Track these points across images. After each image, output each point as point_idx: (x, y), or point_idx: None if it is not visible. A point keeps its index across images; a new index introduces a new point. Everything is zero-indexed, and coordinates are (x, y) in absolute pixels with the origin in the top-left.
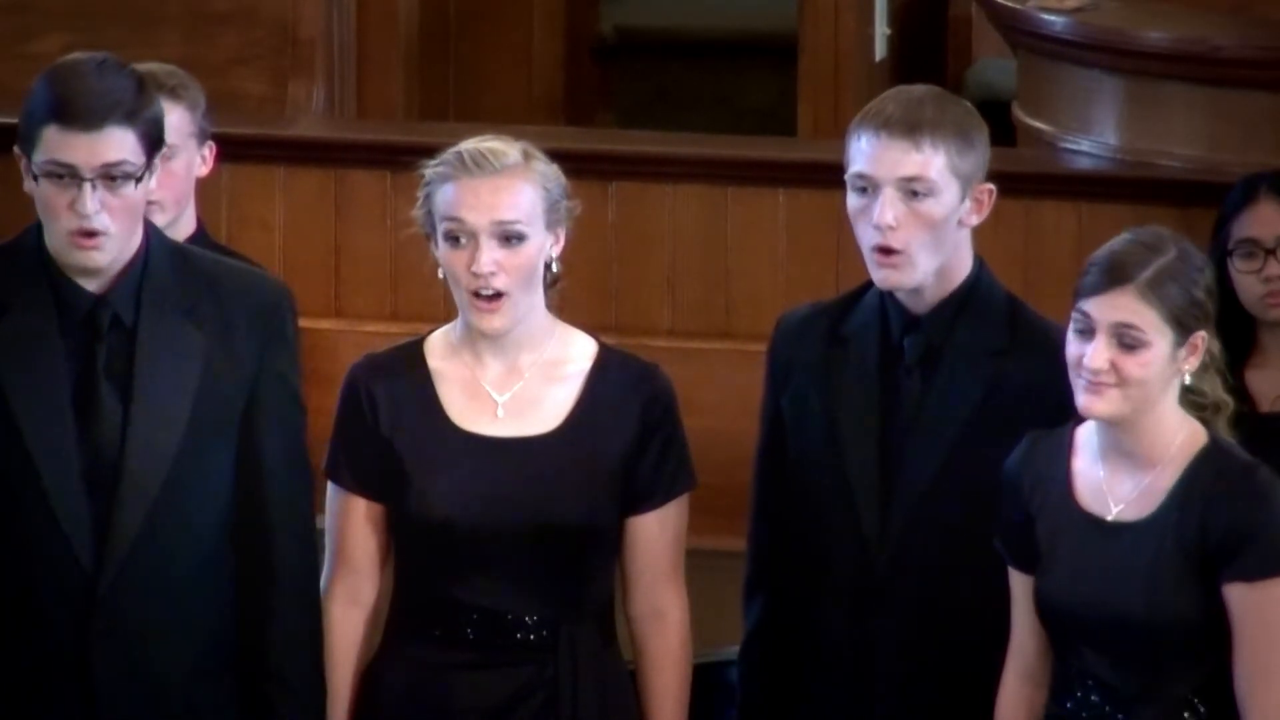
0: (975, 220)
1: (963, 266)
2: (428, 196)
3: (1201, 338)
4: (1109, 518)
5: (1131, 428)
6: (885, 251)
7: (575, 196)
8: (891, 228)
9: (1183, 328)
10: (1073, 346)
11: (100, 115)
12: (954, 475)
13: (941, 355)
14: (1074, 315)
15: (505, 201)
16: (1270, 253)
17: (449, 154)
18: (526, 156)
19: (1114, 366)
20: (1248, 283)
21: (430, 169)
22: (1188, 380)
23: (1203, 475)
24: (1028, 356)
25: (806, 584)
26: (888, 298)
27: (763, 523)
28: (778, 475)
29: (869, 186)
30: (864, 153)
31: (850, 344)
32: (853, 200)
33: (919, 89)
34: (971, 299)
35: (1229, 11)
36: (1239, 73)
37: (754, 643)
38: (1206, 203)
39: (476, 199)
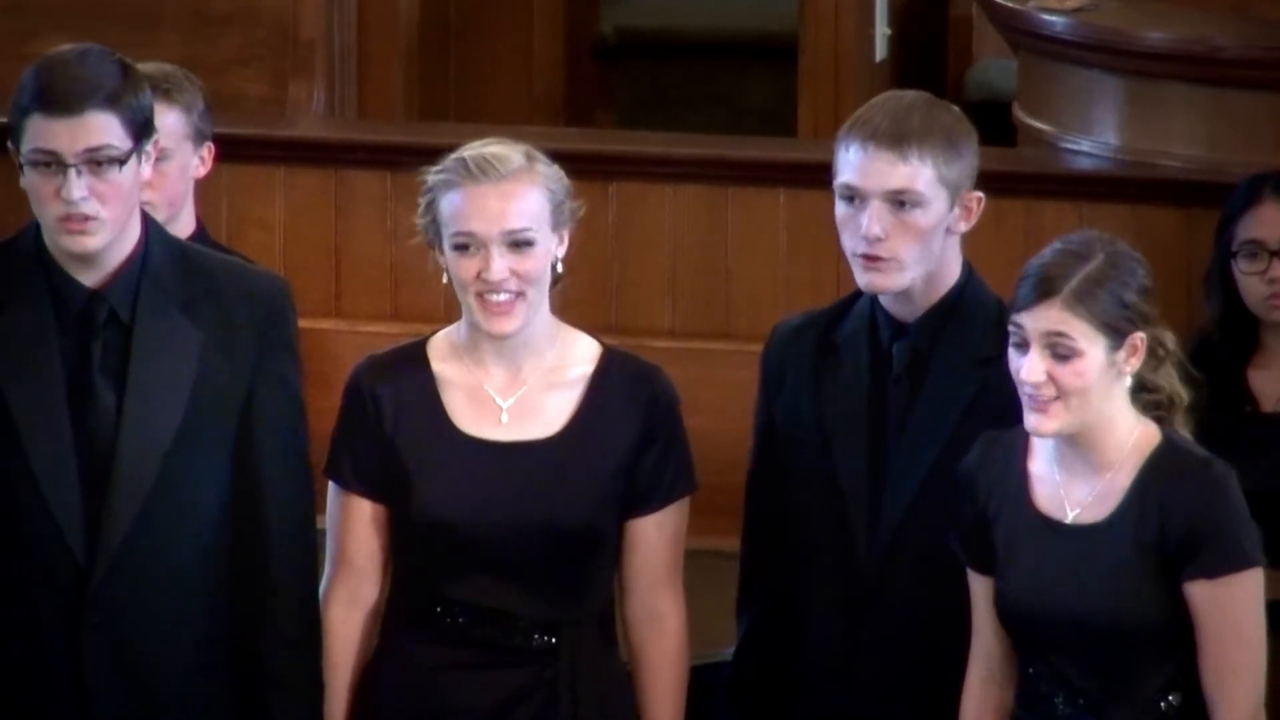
0: (964, 227)
1: (951, 273)
2: (431, 203)
3: (1140, 339)
4: (1067, 521)
5: (1084, 435)
6: (871, 258)
7: (578, 197)
8: (880, 239)
9: (1115, 332)
10: (1013, 361)
11: (79, 99)
12: (942, 482)
13: (929, 363)
14: (1010, 329)
15: (513, 209)
16: (1274, 254)
17: (451, 160)
18: (530, 160)
19: (1051, 378)
20: (1251, 284)
21: (432, 175)
22: (1129, 383)
23: (1158, 474)
24: None
25: (798, 591)
26: (877, 305)
27: (755, 531)
28: (771, 483)
29: (856, 197)
30: (851, 164)
31: (841, 351)
32: (840, 209)
33: (908, 96)
34: (960, 306)
35: (1229, 11)
36: (1239, 73)
37: (746, 651)
38: (1207, 203)
39: (484, 208)
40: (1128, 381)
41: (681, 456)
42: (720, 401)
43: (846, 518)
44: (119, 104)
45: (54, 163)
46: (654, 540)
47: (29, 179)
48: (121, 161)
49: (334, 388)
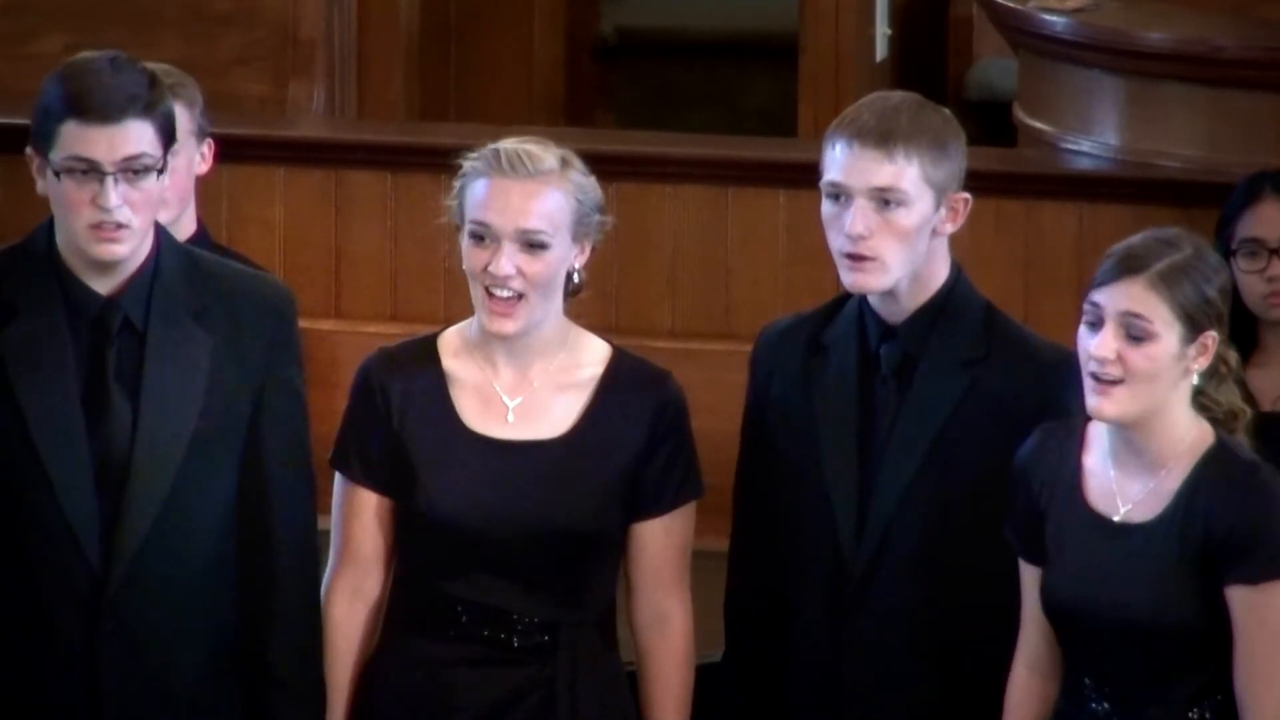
0: (950, 229)
1: (939, 275)
2: (461, 189)
3: (1212, 338)
4: (1116, 518)
5: (1143, 429)
6: (855, 257)
7: (609, 212)
8: (863, 237)
9: (1193, 324)
10: (1083, 340)
11: (119, 108)
12: (928, 484)
13: (917, 365)
14: (1085, 307)
15: (532, 208)
16: (1273, 252)
17: (488, 150)
18: (564, 165)
19: (1120, 358)
20: (1251, 282)
21: (468, 162)
22: (1195, 380)
23: (1207, 477)
24: (1004, 365)
25: (786, 592)
26: (865, 307)
27: (744, 532)
28: (759, 485)
29: (841, 195)
30: (837, 161)
31: (830, 352)
32: (825, 207)
33: (896, 96)
34: (947, 308)
35: (1229, 12)
36: (1240, 73)
37: (736, 652)
38: (1207, 203)
39: (505, 202)
40: (1193, 380)
41: (689, 461)
42: (719, 402)
43: (834, 519)
44: (153, 113)
45: (91, 170)
46: (661, 544)
47: (61, 186)
48: (158, 170)
49: (334, 389)
